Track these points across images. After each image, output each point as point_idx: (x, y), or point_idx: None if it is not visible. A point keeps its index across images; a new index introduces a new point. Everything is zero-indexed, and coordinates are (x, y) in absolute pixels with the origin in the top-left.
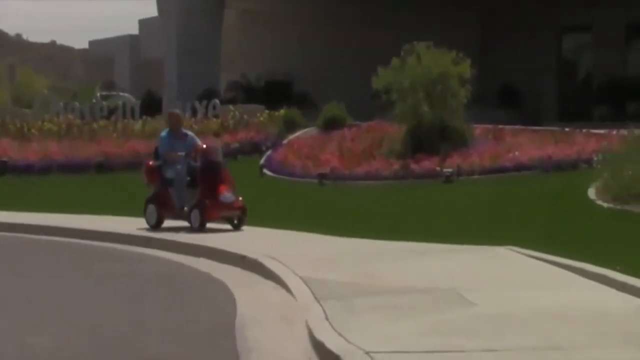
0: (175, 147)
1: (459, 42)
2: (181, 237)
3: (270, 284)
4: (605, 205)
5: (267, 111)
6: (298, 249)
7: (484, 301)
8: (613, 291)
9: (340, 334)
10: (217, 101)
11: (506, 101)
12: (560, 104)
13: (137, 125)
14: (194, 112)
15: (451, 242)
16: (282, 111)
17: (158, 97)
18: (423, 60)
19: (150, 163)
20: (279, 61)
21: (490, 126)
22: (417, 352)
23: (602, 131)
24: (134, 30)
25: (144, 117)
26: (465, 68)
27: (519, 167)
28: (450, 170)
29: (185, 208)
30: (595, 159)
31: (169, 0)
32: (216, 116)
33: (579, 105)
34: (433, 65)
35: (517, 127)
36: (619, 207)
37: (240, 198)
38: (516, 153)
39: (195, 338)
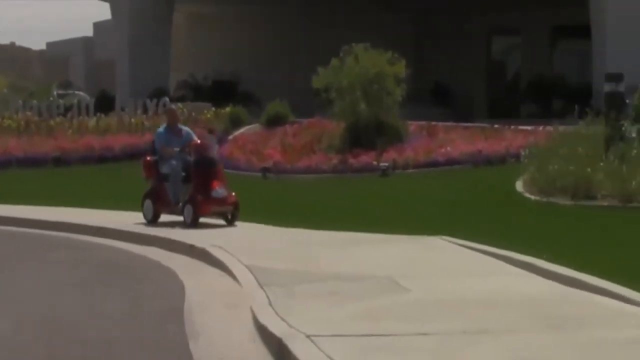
0: (172, 143)
1: (395, 44)
2: (132, 227)
3: (217, 271)
4: (532, 197)
5: (213, 109)
6: (243, 238)
7: (417, 288)
8: (539, 278)
9: (282, 319)
10: (167, 99)
11: (439, 99)
12: (489, 102)
13: (92, 122)
14: (145, 109)
15: (387, 232)
16: (228, 109)
17: (111, 96)
18: (360, 60)
19: (148, 158)
20: (225, 62)
21: (424, 123)
22: (355, 335)
23: (529, 128)
24: (89, 32)
25: (98, 114)
26: (400, 68)
27: (451, 162)
28: (386, 164)
29: (181, 203)
30: (523, 153)
31: (121, 5)
32: (166, 113)
33: (508, 103)
34: (370, 65)
35: (449, 123)
36: (544, 199)
37: (234, 194)
38: (448, 148)
39: (146, 323)
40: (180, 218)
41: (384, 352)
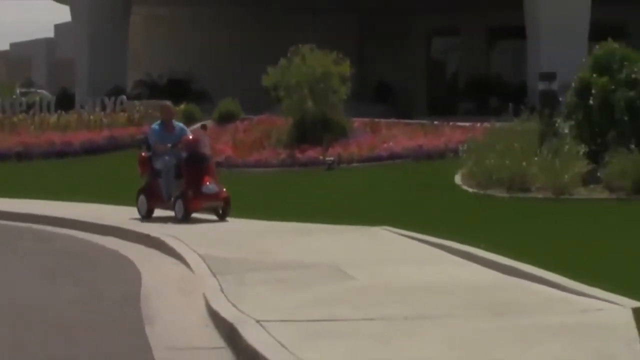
0: (165, 139)
1: (339, 44)
2: (92, 218)
3: (171, 260)
4: (470, 190)
5: None
6: (196, 228)
7: (362, 275)
8: (477, 266)
9: (233, 305)
10: (124, 97)
11: (381, 97)
12: (429, 100)
13: (53, 118)
14: (104, 106)
15: (333, 223)
16: (182, 106)
17: (71, 94)
18: (307, 60)
19: (143, 154)
20: (180, 61)
21: (367, 120)
22: (303, 321)
23: (467, 124)
24: (50, 33)
25: (59, 111)
26: (345, 68)
27: (393, 156)
28: (331, 158)
29: (173, 199)
30: (461, 148)
31: (81, 7)
32: (123, 110)
33: (447, 101)
34: (316, 65)
35: (391, 120)
36: (482, 191)
37: (225, 189)
38: (391, 143)
39: (104, 308)
40: (173, 213)
41: (330, 337)
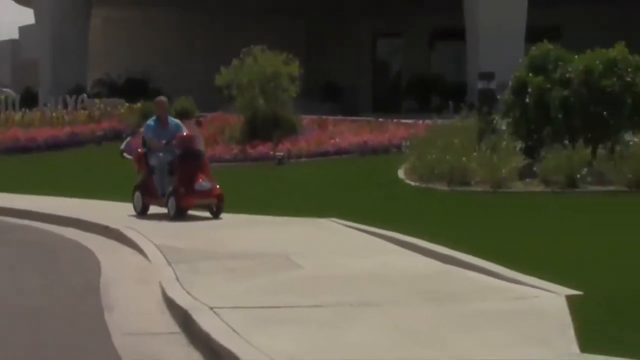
0: (160, 135)
1: (289, 45)
2: (54, 210)
3: (129, 250)
4: (413, 183)
5: (127, 104)
6: (153, 220)
7: (310, 265)
8: (419, 256)
9: (188, 292)
10: (84, 95)
11: (329, 96)
12: (374, 98)
13: (17, 116)
14: (65, 105)
15: (283, 215)
16: (139, 104)
17: (35, 92)
18: (259, 61)
19: (139, 150)
20: (138, 61)
21: (315, 117)
22: (254, 307)
23: (410, 121)
24: (15, 35)
25: (23, 109)
26: (294, 68)
27: (340, 151)
28: (281, 154)
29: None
30: (404, 144)
31: (44, 10)
32: (84, 108)
33: (391, 99)
34: (267, 65)
35: (338, 117)
36: (424, 185)
37: (218, 186)
38: (337, 139)
39: (65, 296)
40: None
41: (280, 322)
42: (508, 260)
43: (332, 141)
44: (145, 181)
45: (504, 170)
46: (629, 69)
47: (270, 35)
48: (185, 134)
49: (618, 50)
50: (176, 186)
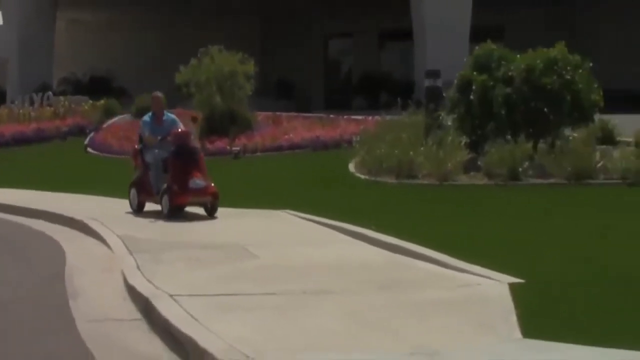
0: (155, 131)
1: (245, 45)
2: (19, 202)
3: (93, 240)
4: (363, 177)
5: (90, 101)
6: (114, 211)
7: (265, 254)
8: (369, 246)
9: (149, 281)
10: (50, 93)
11: (283, 93)
12: (326, 96)
13: None
14: (32, 102)
15: (239, 207)
16: (102, 101)
17: (3, 90)
18: (216, 60)
19: (137, 146)
20: (101, 61)
21: (270, 113)
22: (212, 295)
23: (360, 117)
24: None
25: None
26: (250, 67)
27: (294, 146)
28: (238, 148)
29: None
30: (354, 139)
31: (11, 11)
32: (50, 105)
33: (342, 96)
34: (224, 64)
35: (292, 114)
36: (373, 178)
37: (213, 184)
38: (291, 135)
39: (32, 284)
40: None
41: (237, 309)
42: (454, 250)
43: (286, 137)
44: (141, 178)
45: (449, 164)
46: (569, 68)
47: (227, 36)
48: (180, 130)
49: (558, 50)
50: (170, 184)
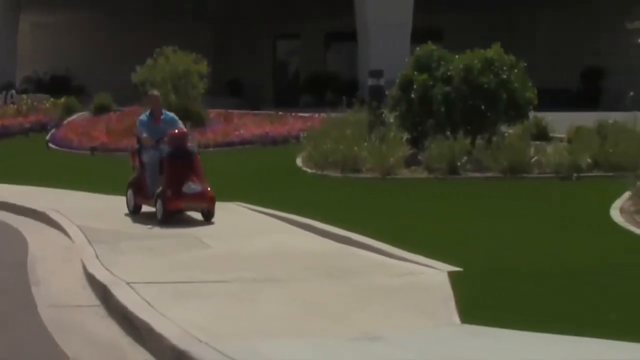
0: (152, 130)
1: (198, 46)
2: None
3: (54, 231)
4: (309, 170)
5: (52, 99)
6: (75, 204)
7: (217, 244)
8: (315, 236)
9: (107, 269)
10: (14, 91)
11: (234, 92)
12: (275, 94)
13: None
14: None
15: None
16: (63, 99)
17: None
18: (171, 60)
19: (134, 146)
20: (61, 61)
21: (222, 111)
22: (167, 282)
23: (307, 114)
24: None
25: None
26: (203, 67)
27: (244, 142)
28: (191, 144)
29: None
30: (302, 135)
31: None
32: (13, 103)
33: (290, 94)
34: (178, 64)
35: (242, 111)
36: (319, 172)
37: (209, 188)
38: (242, 131)
39: None
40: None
41: (190, 295)
42: (396, 240)
43: (237, 133)
44: (138, 178)
45: (391, 159)
46: (504, 68)
47: (181, 37)
48: (177, 131)
49: (494, 51)
50: (164, 188)
